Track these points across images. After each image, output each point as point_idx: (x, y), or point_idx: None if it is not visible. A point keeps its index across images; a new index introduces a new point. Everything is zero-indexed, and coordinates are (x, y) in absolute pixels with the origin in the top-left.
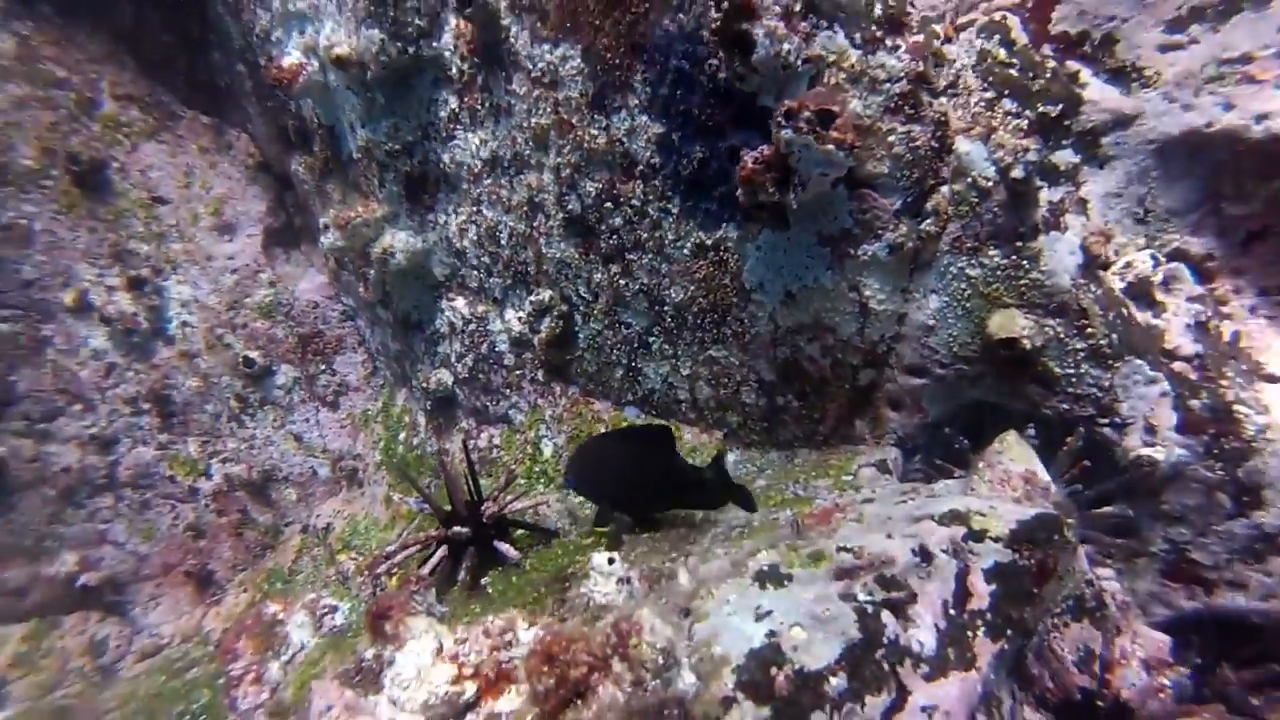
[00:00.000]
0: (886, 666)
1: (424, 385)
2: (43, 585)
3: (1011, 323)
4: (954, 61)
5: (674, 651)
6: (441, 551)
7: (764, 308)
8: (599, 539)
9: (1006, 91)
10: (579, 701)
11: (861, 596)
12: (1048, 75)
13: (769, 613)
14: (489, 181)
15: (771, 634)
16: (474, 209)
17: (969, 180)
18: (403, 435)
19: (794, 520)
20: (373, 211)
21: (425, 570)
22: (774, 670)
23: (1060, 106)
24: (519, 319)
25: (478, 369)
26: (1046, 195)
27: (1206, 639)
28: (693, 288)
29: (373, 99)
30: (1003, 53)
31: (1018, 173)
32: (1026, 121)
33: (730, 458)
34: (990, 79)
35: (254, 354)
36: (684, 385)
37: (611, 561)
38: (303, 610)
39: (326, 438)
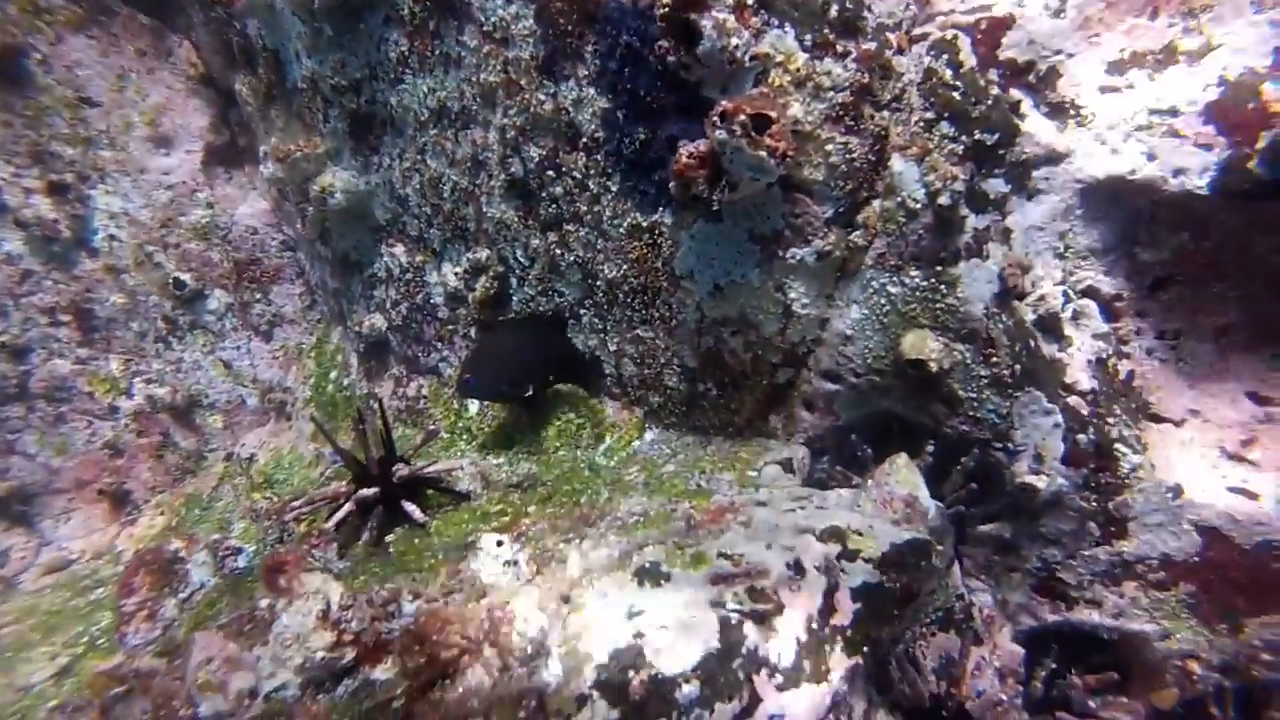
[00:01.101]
0: (742, 675)
1: (358, 328)
2: None
3: (923, 344)
4: (902, 75)
5: (546, 641)
6: (349, 506)
7: (692, 296)
8: (505, 507)
9: (947, 114)
10: (447, 681)
11: (730, 605)
12: (989, 102)
13: (640, 612)
14: (434, 131)
15: (638, 635)
16: (418, 157)
17: (899, 199)
18: (334, 374)
19: (689, 516)
20: (315, 147)
21: (330, 524)
22: (632, 672)
23: (997, 135)
24: (455, 274)
25: (411, 318)
26: (973, 222)
27: (1063, 648)
28: (625, 266)
29: (320, 29)
30: (948, 74)
31: (945, 200)
32: (962, 147)
33: (648, 436)
34: (933, 99)
35: (185, 276)
36: (610, 360)
37: (500, 544)
38: (205, 550)
39: (258, 368)
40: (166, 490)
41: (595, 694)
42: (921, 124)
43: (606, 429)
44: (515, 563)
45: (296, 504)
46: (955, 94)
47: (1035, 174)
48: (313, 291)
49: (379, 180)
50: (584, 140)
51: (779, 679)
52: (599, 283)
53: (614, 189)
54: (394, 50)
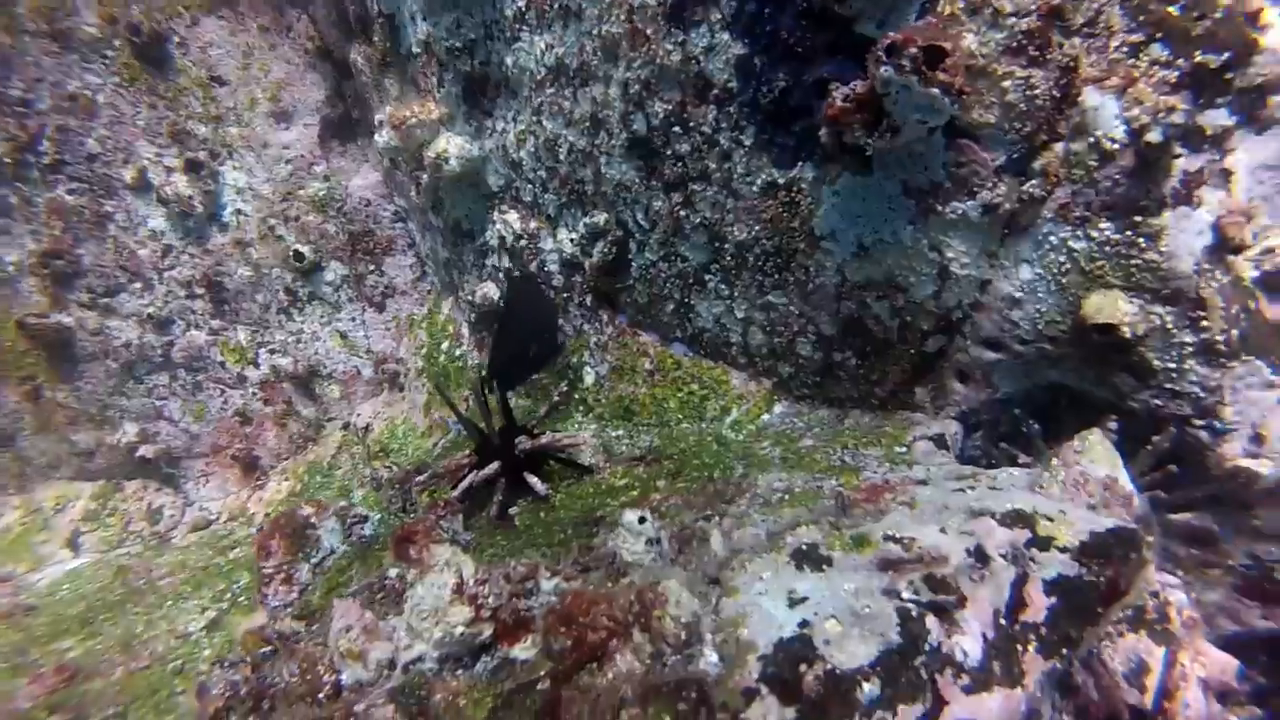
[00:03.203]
0: (925, 674)
1: (470, 297)
2: (107, 451)
3: (1113, 306)
4: None
5: (698, 626)
6: (472, 476)
7: (833, 258)
8: (631, 481)
9: (1159, 34)
10: (595, 666)
11: (906, 595)
12: (1218, 14)
13: (804, 599)
14: (551, 91)
15: (804, 624)
16: (534, 119)
17: (1091, 140)
18: (445, 344)
19: (840, 494)
20: (429, 112)
21: (456, 494)
22: (804, 667)
23: (1226, 55)
24: (571, 240)
25: None
26: (1183, 164)
27: (1277, 660)
28: (758, 228)
29: None
30: None
31: (1154, 136)
32: (1178, 73)
33: (777, 409)
34: (1141, 18)
35: (304, 248)
36: (737, 328)
37: (643, 520)
38: (334, 516)
39: (371, 339)
40: (290, 457)
41: (763, 688)
42: (1125, 48)
43: (732, 401)
44: (658, 541)
45: (421, 477)
46: (1171, 7)
47: (1273, 100)
48: (423, 262)
49: (492, 145)
50: (715, 92)
51: (965, 680)
52: (727, 245)
53: (747, 143)
54: (510, 7)
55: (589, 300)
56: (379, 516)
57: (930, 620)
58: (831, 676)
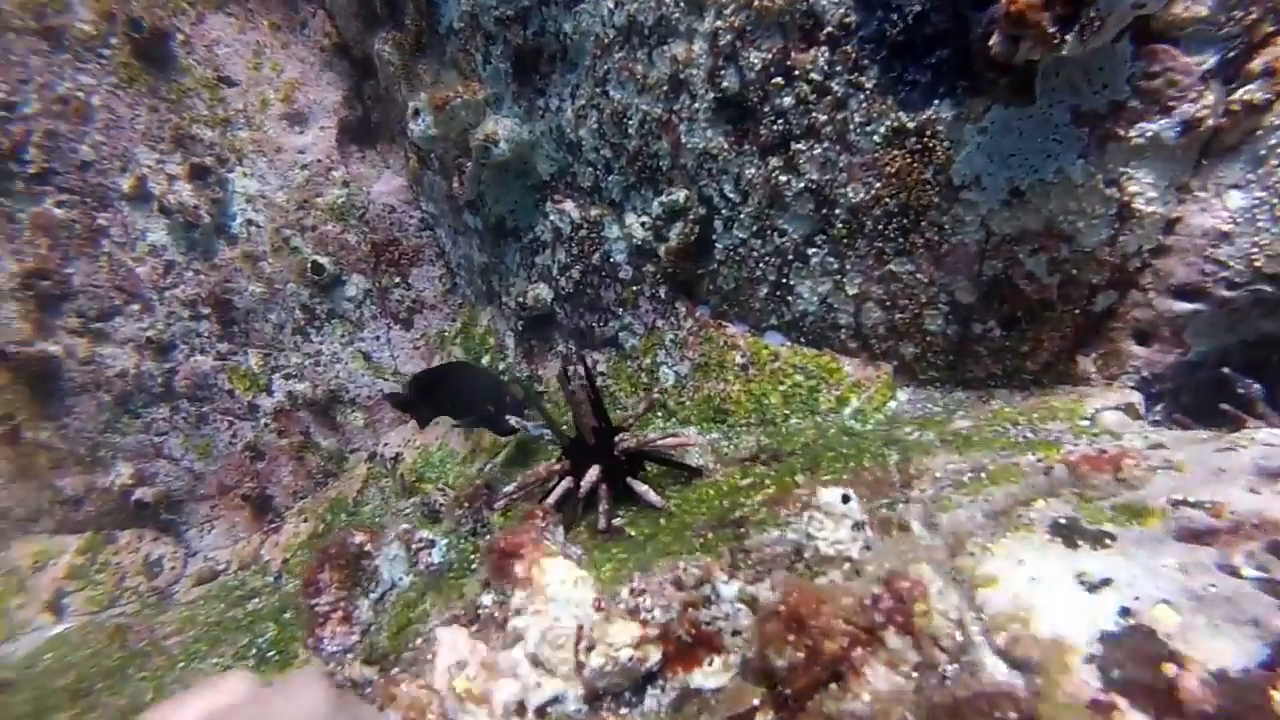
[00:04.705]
0: None
1: (519, 300)
2: (98, 496)
3: None
4: None
5: (965, 625)
6: (567, 483)
7: (975, 209)
8: (757, 479)
9: None
10: (835, 686)
11: (1248, 571)
12: None
13: (1106, 581)
14: (620, 55)
15: (1126, 612)
16: (597, 90)
17: None
18: (486, 359)
19: (1047, 468)
20: (474, 93)
21: (550, 500)
22: (1173, 668)
23: None
24: (642, 224)
25: (586, 283)
26: None
27: None
28: (879, 185)
29: None
30: None
31: None
32: None
33: (902, 396)
34: None
35: (324, 260)
36: (847, 307)
37: (846, 499)
38: (396, 542)
39: (398, 358)
40: (308, 495)
41: (1119, 699)
42: None
43: (849, 390)
44: (863, 525)
45: (509, 488)
46: None
47: None
48: (454, 272)
49: (544, 128)
50: (827, 30)
51: None
52: (837, 211)
53: (868, 86)
54: None
55: (663, 291)
56: (445, 541)
57: None
58: (1221, 679)
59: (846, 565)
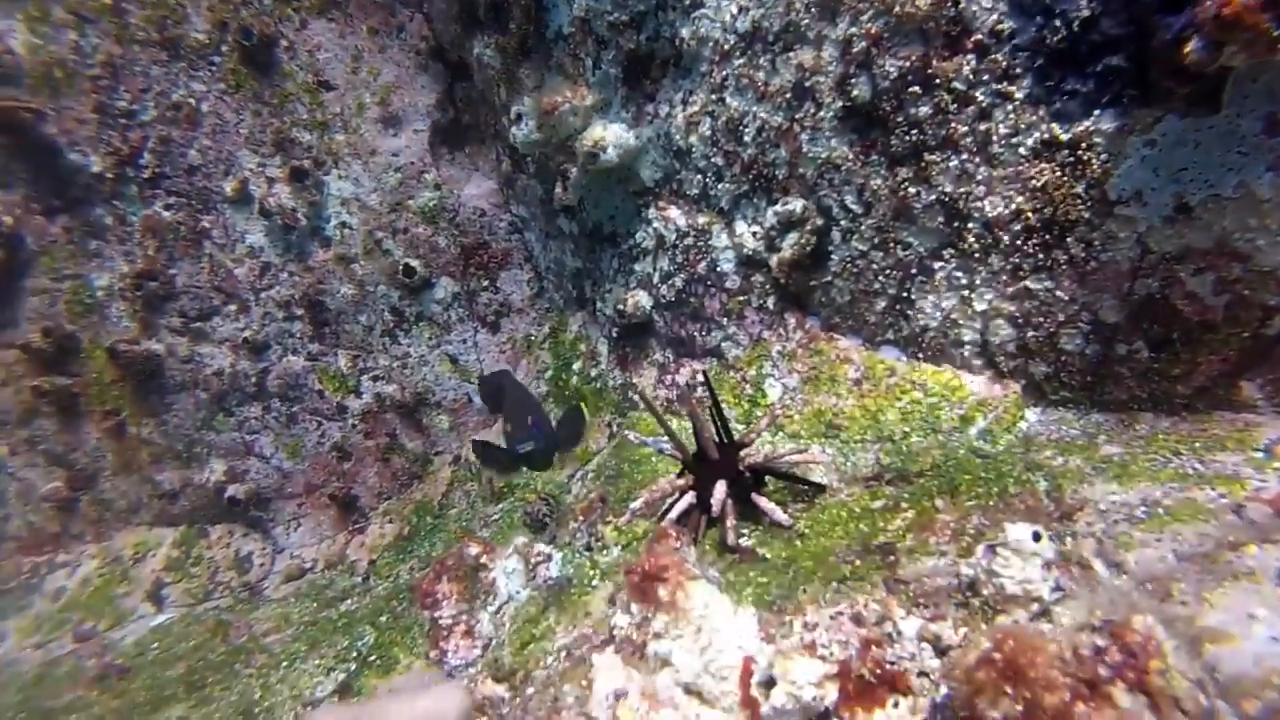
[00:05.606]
0: None
1: (617, 307)
2: (193, 491)
3: None
4: None
5: (1206, 688)
6: (689, 499)
7: (1132, 226)
8: (889, 501)
9: None
10: None
11: None
12: None
13: None
14: (741, 62)
15: None
16: (713, 97)
17: None
18: (577, 365)
19: (1236, 506)
20: (583, 98)
21: (673, 516)
22: None
23: None
24: (754, 234)
25: (689, 291)
26: None
27: None
28: (1021, 199)
29: None
30: None
31: None
32: None
33: (1031, 416)
34: None
35: (415, 262)
36: (973, 324)
37: (1038, 537)
38: (515, 555)
39: (484, 362)
40: (394, 496)
41: None
42: None
43: (974, 409)
44: (1052, 564)
45: (635, 505)
46: None
47: None
48: (541, 277)
49: (651, 134)
50: (975, 38)
51: None
52: (970, 225)
53: (1019, 96)
54: None
55: (771, 302)
56: (561, 555)
57: None
58: None
59: (1034, 606)
